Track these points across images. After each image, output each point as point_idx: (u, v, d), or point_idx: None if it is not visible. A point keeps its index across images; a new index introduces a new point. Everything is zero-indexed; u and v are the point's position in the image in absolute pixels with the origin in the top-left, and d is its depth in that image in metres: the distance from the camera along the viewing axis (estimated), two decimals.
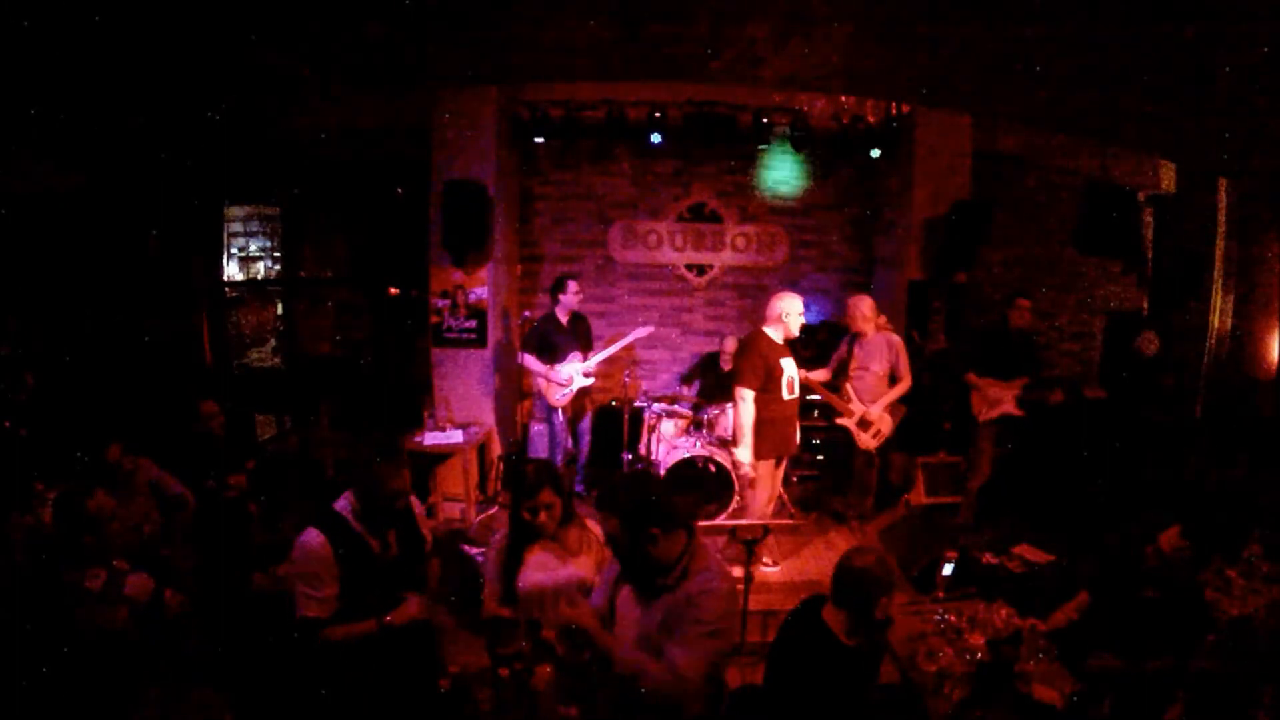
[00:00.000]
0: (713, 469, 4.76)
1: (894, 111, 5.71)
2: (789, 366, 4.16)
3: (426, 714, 2.44)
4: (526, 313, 5.57)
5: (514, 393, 5.66)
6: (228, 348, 6.46)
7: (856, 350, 4.69)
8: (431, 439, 5.06)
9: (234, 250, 6.65)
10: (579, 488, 5.47)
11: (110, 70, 4.06)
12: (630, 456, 5.44)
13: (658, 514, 1.94)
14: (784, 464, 4.49)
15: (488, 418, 5.66)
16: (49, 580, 2.51)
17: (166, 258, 5.67)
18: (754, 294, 6.36)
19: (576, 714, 2.05)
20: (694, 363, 6.39)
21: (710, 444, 4.85)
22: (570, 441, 5.48)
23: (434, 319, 5.60)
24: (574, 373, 5.12)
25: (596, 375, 5.34)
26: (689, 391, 5.94)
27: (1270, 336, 5.21)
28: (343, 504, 2.42)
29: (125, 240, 5.28)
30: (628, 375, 5.60)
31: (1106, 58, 3.87)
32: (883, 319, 4.76)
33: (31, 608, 2.46)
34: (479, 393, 5.65)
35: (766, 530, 3.58)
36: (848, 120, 5.71)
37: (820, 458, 5.88)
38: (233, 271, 6.64)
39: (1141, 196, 6.23)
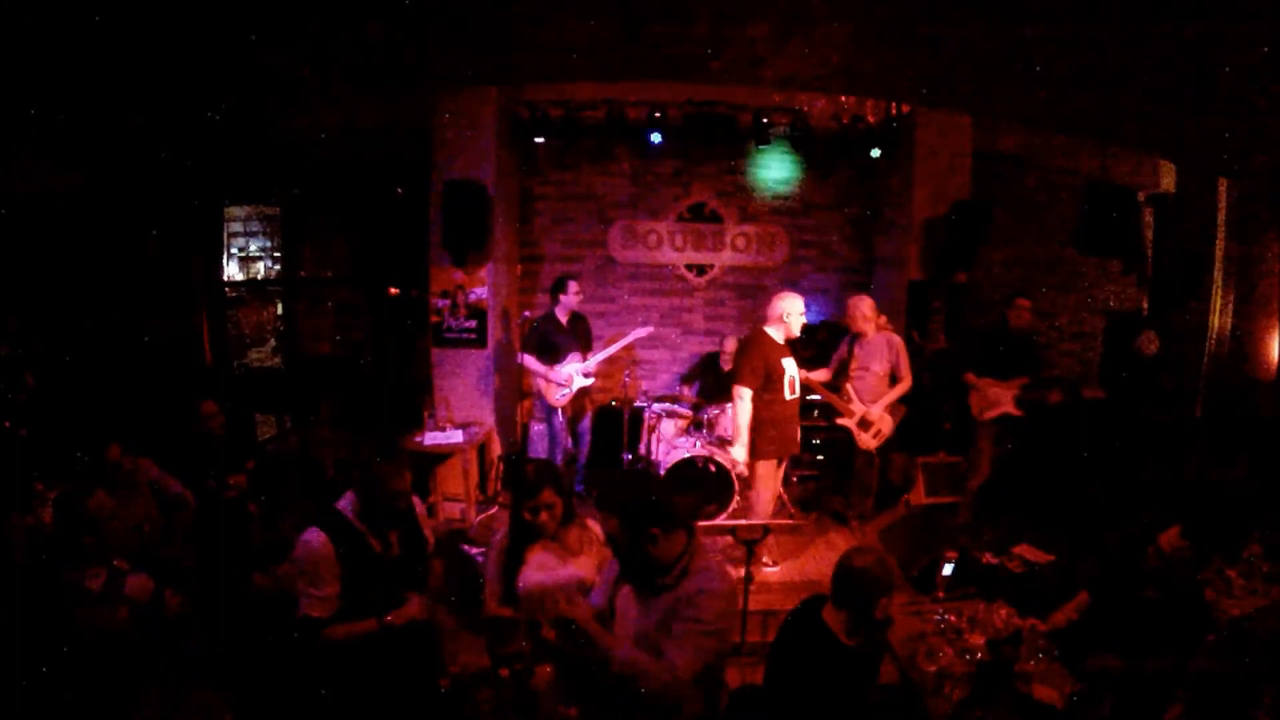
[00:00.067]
0: (713, 469, 4.76)
1: (894, 111, 5.72)
2: (790, 366, 4.16)
3: (427, 714, 2.45)
4: (526, 313, 5.58)
5: (514, 393, 5.66)
6: (228, 348, 6.46)
7: (857, 350, 4.69)
8: (431, 439, 5.06)
9: (234, 250, 6.65)
10: (579, 488, 5.48)
11: (110, 70, 4.06)
12: (630, 456, 5.44)
13: (657, 514, 1.95)
14: (784, 464, 4.50)
15: (488, 418, 5.66)
16: (49, 580, 2.51)
17: (166, 258, 5.67)
18: (754, 294, 6.36)
19: (576, 714, 2.05)
20: (694, 363, 6.39)
21: (710, 444, 4.85)
22: (570, 441, 5.48)
23: (434, 319, 5.60)
24: (574, 373, 5.12)
25: (596, 375, 5.34)
26: (689, 391, 5.94)
27: (1270, 336, 5.20)
28: (345, 504, 2.44)
29: (125, 240, 5.28)
30: (628, 375, 5.60)
31: (1106, 58, 3.86)
32: (883, 319, 4.77)
33: (31, 608, 2.46)
34: (479, 393, 5.65)
35: (766, 530, 3.58)
36: (848, 120, 5.71)
37: (820, 458, 5.88)
38: (233, 271, 6.65)
39: (1141, 196, 6.23)
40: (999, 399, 4.78)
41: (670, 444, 5.15)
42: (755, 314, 6.01)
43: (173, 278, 5.78)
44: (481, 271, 5.55)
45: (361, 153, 5.93)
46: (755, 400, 4.07)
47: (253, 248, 6.73)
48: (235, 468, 4.05)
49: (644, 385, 6.23)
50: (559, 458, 5.27)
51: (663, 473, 4.76)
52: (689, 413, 5.38)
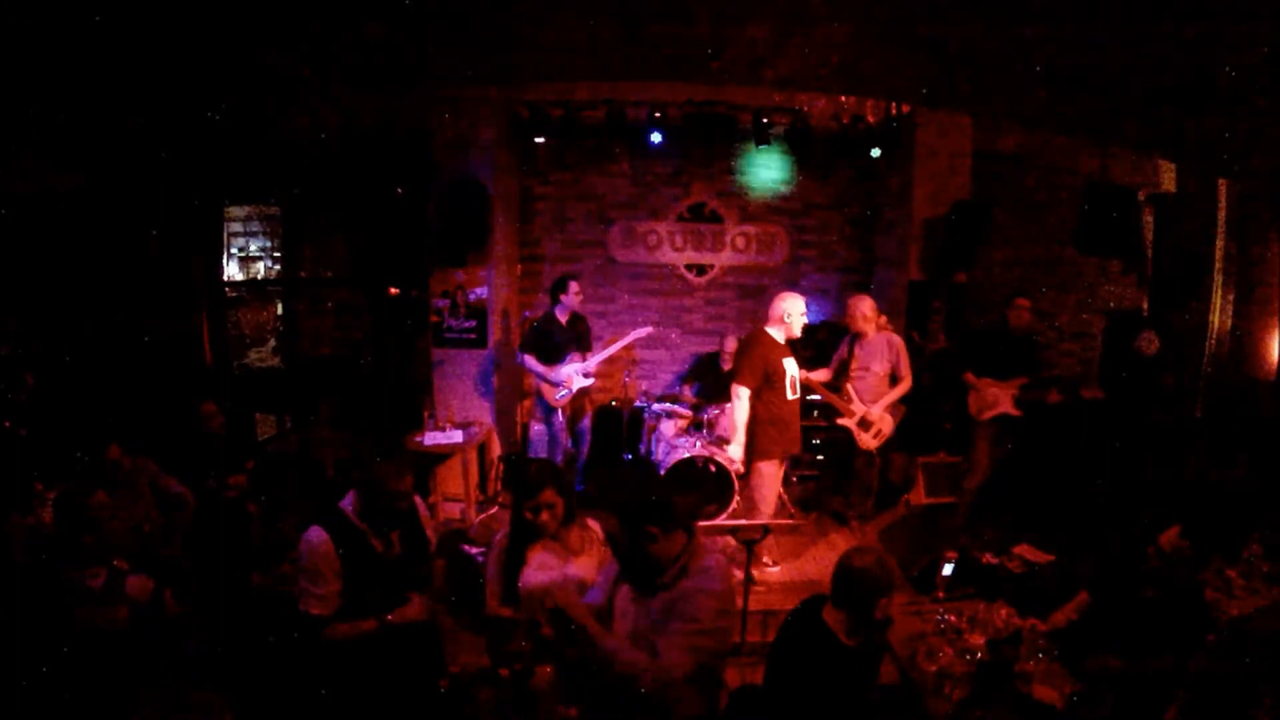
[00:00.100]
0: (713, 469, 4.76)
1: (894, 111, 5.71)
2: (791, 366, 4.16)
3: (427, 714, 2.44)
4: (526, 313, 5.58)
5: (514, 393, 5.66)
6: (228, 348, 6.46)
7: (857, 350, 4.69)
8: (431, 439, 5.06)
9: (234, 250, 6.65)
10: (579, 488, 5.47)
11: (110, 70, 4.05)
12: (630, 456, 5.44)
13: (657, 513, 1.95)
14: (784, 464, 4.50)
15: (488, 418, 5.66)
16: (49, 580, 2.51)
17: (166, 258, 5.67)
18: (754, 294, 6.36)
19: (576, 714, 2.05)
20: (694, 363, 6.39)
21: (710, 444, 4.85)
22: (570, 441, 5.48)
23: (434, 319, 5.61)
24: (574, 373, 5.11)
25: (596, 375, 5.34)
26: (689, 392, 5.94)
27: (1270, 336, 5.20)
28: (347, 503, 2.45)
29: (125, 240, 5.27)
30: (628, 375, 5.60)
31: (1106, 58, 3.86)
32: (883, 319, 4.77)
33: (31, 607, 2.46)
34: (479, 393, 5.65)
35: (766, 530, 3.58)
36: (848, 120, 5.71)
37: (820, 458, 5.88)
38: (233, 271, 6.64)
39: (1141, 196, 6.22)
40: (997, 399, 4.78)
41: (670, 444, 5.15)
42: (755, 314, 6.01)
43: (173, 278, 5.78)
44: (481, 271, 5.55)
45: (361, 153, 5.92)
46: (756, 400, 4.07)
47: (253, 248, 6.73)
48: (235, 468, 4.06)
49: (644, 385, 6.23)
50: (559, 458, 5.26)
51: (662, 473, 4.76)
52: (689, 413, 5.38)
